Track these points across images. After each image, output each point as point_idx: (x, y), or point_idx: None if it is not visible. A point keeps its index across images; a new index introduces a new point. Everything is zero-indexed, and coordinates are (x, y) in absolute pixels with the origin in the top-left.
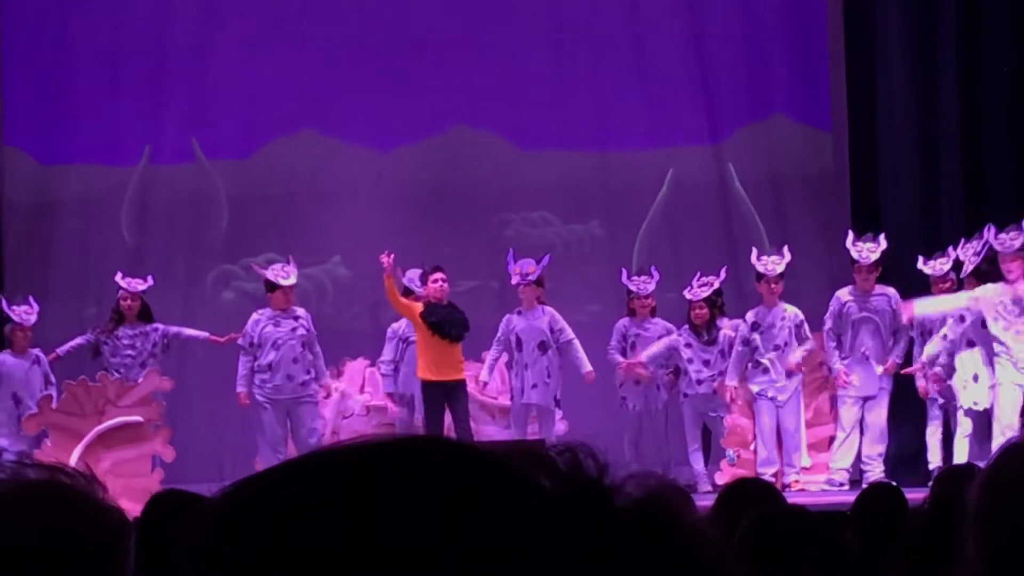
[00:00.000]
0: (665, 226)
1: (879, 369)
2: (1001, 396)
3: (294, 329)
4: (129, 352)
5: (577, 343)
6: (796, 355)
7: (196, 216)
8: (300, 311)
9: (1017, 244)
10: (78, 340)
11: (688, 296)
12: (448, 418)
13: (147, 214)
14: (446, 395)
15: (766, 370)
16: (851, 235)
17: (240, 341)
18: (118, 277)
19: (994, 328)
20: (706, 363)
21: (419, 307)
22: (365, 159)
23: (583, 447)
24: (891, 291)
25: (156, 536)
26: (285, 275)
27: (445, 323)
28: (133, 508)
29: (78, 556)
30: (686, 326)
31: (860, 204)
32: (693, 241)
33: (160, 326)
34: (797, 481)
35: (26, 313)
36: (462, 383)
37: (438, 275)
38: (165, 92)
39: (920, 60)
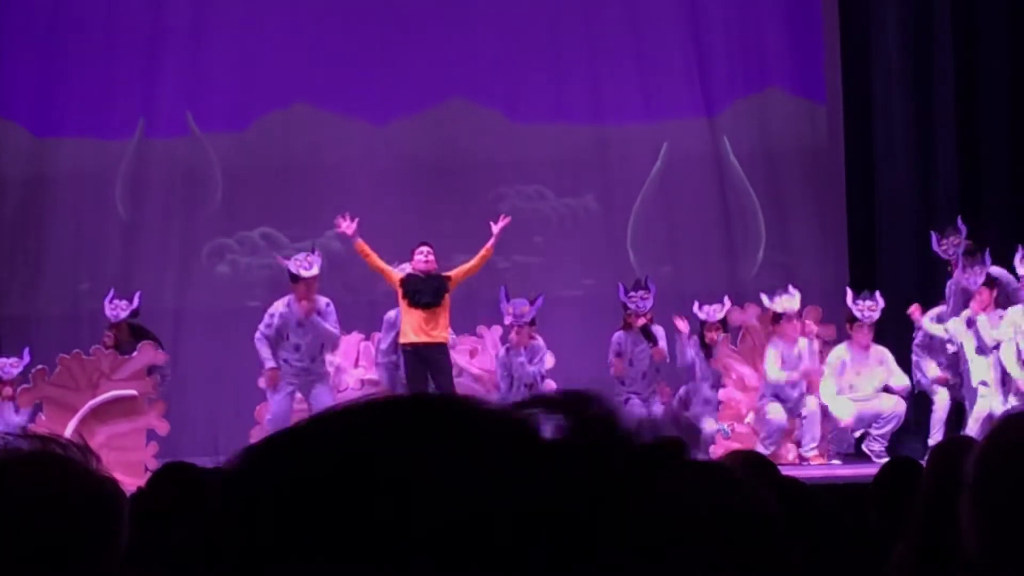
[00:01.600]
0: (660, 200)
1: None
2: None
3: (316, 335)
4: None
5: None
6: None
7: (190, 189)
8: (323, 304)
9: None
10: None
11: (702, 316)
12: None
13: (141, 187)
14: (425, 361)
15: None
16: (850, 293)
17: (262, 331)
18: (106, 301)
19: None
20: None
21: (400, 275)
22: (360, 132)
23: (593, 396)
24: (886, 351)
25: (159, 509)
26: (307, 266)
27: (414, 291)
28: (128, 482)
29: (72, 526)
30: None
31: (855, 176)
32: (688, 214)
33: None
34: (816, 455)
35: (11, 366)
36: (441, 348)
37: (423, 248)
38: (159, 65)
39: (915, 33)
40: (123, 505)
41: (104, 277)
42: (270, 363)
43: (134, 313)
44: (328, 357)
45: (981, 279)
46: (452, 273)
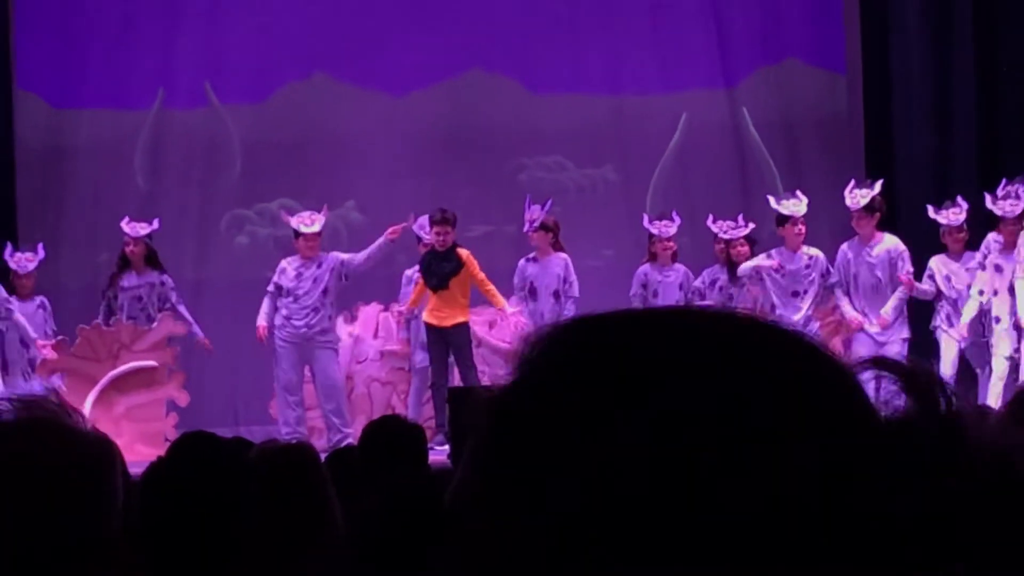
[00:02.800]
0: (679, 170)
1: (873, 328)
2: None
3: (316, 279)
4: (136, 303)
5: (573, 305)
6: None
7: (209, 161)
8: (325, 258)
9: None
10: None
11: (726, 236)
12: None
13: (160, 158)
14: (445, 340)
15: (780, 316)
16: (852, 183)
17: (269, 288)
18: (123, 222)
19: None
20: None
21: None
22: (379, 103)
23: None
24: (896, 240)
25: (177, 478)
26: (309, 223)
27: (427, 270)
28: (147, 452)
29: (56, 487)
30: (716, 266)
31: (873, 147)
32: (706, 185)
33: (169, 281)
34: None
35: (27, 260)
36: (461, 328)
37: (436, 228)
38: (178, 36)
39: (935, 2)
40: (114, 462)
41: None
42: (259, 321)
43: (150, 236)
44: (347, 328)
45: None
46: (473, 265)
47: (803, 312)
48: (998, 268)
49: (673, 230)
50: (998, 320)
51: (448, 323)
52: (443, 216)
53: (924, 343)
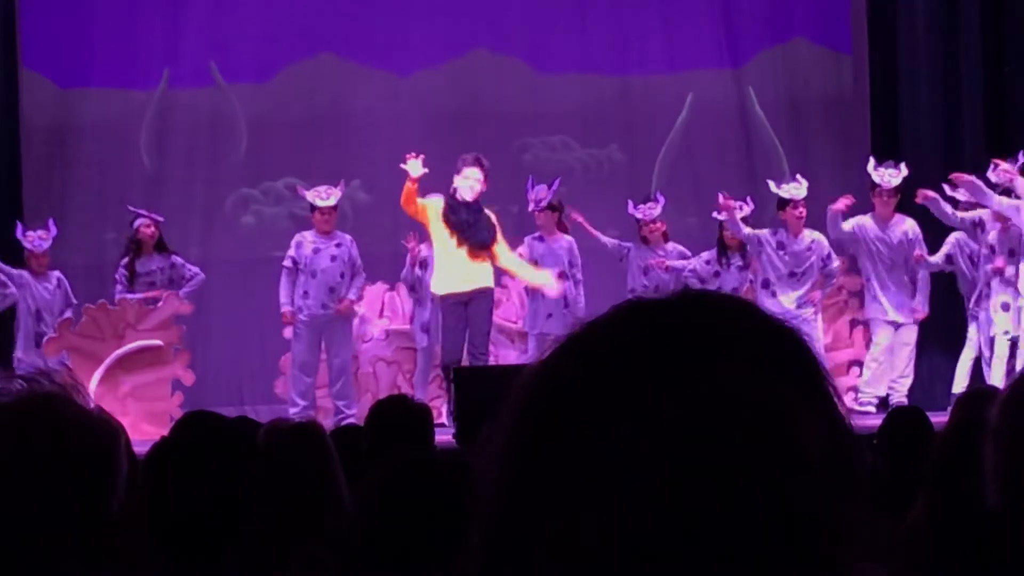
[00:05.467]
0: (684, 151)
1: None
2: None
3: (334, 257)
4: (150, 289)
5: (581, 288)
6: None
7: (215, 140)
8: (344, 237)
9: None
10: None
11: (720, 217)
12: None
13: (166, 138)
14: (465, 306)
15: (774, 293)
16: (872, 160)
17: (285, 263)
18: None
19: None
20: (720, 290)
21: (439, 203)
22: (384, 83)
23: None
24: (911, 221)
25: (181, 457)
26: (325, 196)
27: (463, 226)
28: (153, 431)
29: (61, 466)
30: (713, 250)
31: (880, 128)
32: (712, 166)
33: (179, 260)
34: None
35: (40, 239)
36: (482, 293)
37: (474, 169)
38: (184, 15)
39: None
40: (117, 439)
41: (129, 227)
42: (285, 306)
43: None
44: (355, 307)
45: None
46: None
47: (800, 293)
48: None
49: (657, 211)
50: (1006, 306)
51: (470, 287)
52: (477, 157)
53: (940, 327)
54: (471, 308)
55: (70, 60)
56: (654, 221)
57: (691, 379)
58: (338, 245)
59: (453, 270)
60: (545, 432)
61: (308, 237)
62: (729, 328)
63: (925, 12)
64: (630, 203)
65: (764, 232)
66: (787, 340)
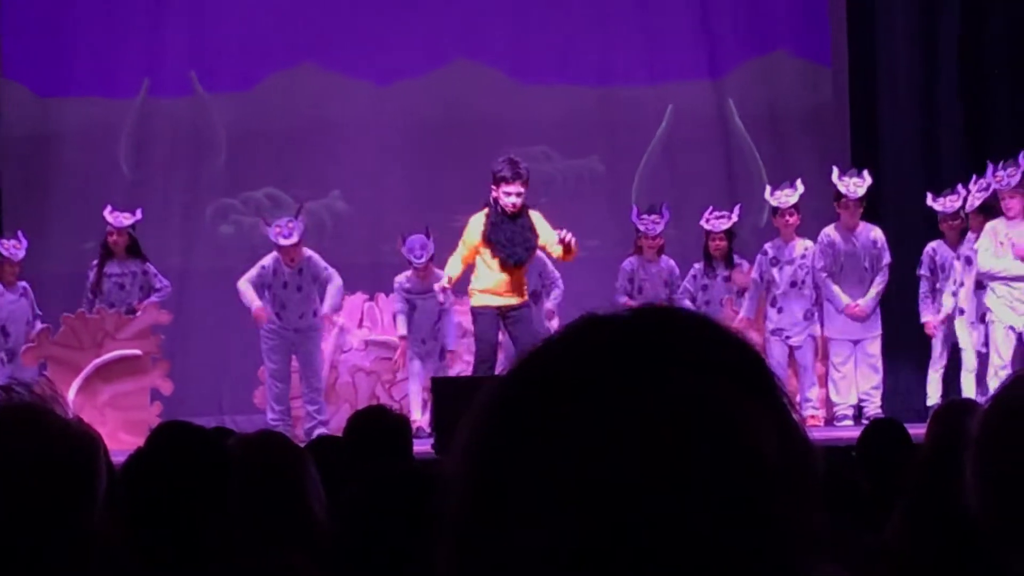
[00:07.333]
0: (665, 161)
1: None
2: (995, 335)
3: (300, 287)
4: (119, 291)
5: (553, 300)
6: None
7: (194, 150)
8: (306, 260)
9: (1015, 180)
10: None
11: (707, 227)
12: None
13: (145, 147)
14: (502, 322)
15: (781, 309)
16: (836, 170)
17: (250, 277)
18: (106, 212)
19: (994, 264)
20: (707, 302)
21: (480, 225)
22: (365, 93)
23: None
24: (877, 229)
25: (155, 467)
26: (287, 234)
27: (503, 242)
28: (131, 441)
29: (39, 478)
30: (700, 263)
31: (860, 139)
32: (692, 177)
33: (151, 268)
34: (815, 416)
35: (15, 248)
36: (525, 306)
37: (511, 187)
38: (163, 25)
39: None
40: (96, 449)
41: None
42: (256, 303)
43: (133, 226)
44: (333, 317)
45: (1015, 180)
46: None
47: (808, 302)
48: (968, 260)
49: (660, 227)
50: (962, 312)
51: (513, 301)
52: (515, 170)
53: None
54: (512, 321)
55: (49, 69)
56: (656, 236)
57: (645, 392)
58: (300, 272)
59: (493, 286)
60: (499, 450)
61: (280, 268)
62: (684, 342)
63: (904, 24)
64: (635, 209)
65: (758, 263)
66: (742, 353)
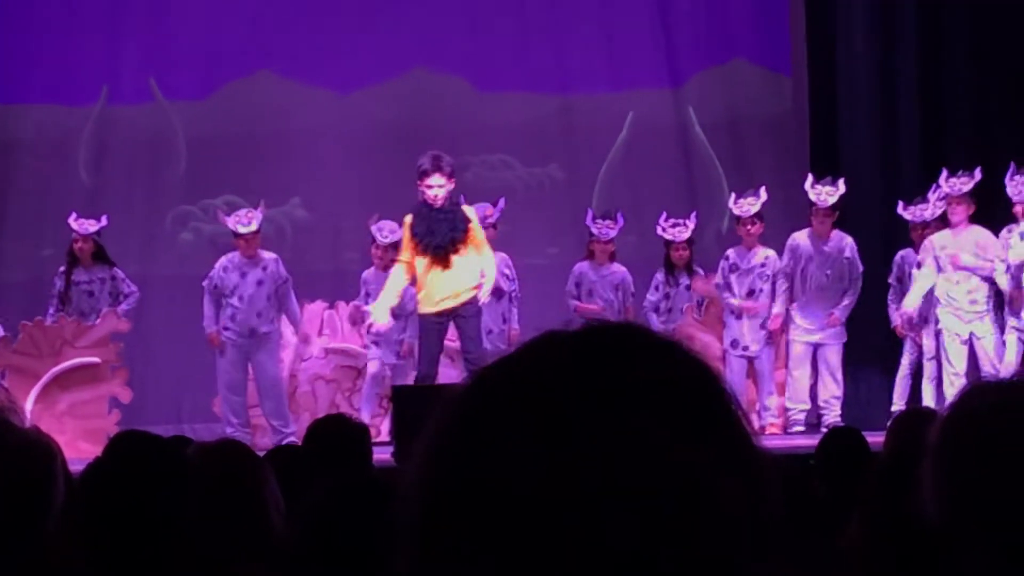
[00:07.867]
0: (625, 169)
1: (813, 332)
2: (946, 344)
3: (260, 282)
4: (87, 298)
5: (516, 304)
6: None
7: (154, 157)
8: (268, 258)
9: (966, 188)
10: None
11: (667, 237)
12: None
13: (105, 154)
14: (445, 325)
15: (739, 316)
16: (810, 178)
17: (204, 283)
18: (71, 219)
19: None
20: (670, 310)
21: (407, 222)
22: (324, 101)
23: None
24: (848, 239)
25: (113, 477)
26: (246, 222)
27: (425, 232)
28: (90, 450)
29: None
30: (661, 272)
31: (819, 148)
32: (652, 184)
33: (120, 273)
34: (773, 424)
35: None
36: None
37: (431, 179)
38: (123, 32)
39: (880, 4)
40: (56, 463)
41: (67, 244)
42: (210, 327)
43: (98, 232)
44: (290, 327)
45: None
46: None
47: (774, 307)
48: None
49: (613, 233)
50: (927, 321)
51: (450, 305)
52: (436, 163)
53: (860, 344)
54: (460, 319)
55: (8, 76)
56: (608, 241)
57: (601, 411)
58: (264, 268)
59: (428, 288)
60: (456, 460)
61: (235, 261)
62: (640, 367)
63: (863, 34)
64: (590, 212)
65: (720, 269)
66: (698, 376)
